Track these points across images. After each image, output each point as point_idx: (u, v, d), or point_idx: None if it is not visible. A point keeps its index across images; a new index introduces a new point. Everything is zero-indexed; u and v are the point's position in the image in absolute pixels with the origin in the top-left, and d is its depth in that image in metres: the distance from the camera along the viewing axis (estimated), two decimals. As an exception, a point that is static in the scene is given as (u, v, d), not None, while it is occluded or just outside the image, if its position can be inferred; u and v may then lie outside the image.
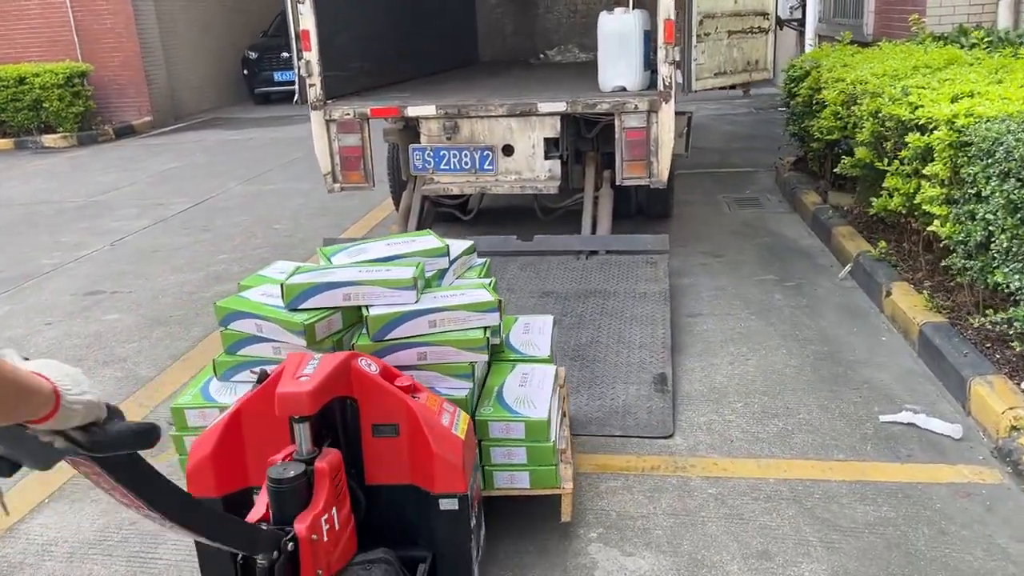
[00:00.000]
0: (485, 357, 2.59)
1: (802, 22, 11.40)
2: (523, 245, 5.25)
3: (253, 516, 1.97)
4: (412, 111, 5.21)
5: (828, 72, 5.91)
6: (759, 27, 5.60)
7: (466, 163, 5.25)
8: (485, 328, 2.59)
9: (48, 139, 13.13)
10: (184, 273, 5.92)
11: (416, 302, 2.56)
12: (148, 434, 1.39)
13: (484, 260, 3.15)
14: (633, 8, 5.22)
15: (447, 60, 8.26)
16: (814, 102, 6.17)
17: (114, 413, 1.37)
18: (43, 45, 14.31)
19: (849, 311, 4.64)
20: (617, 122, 5.03)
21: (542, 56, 9.35)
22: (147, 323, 4.99)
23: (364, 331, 2.56)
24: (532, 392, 2.67)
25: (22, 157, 12.26)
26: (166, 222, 7.52)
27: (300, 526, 1.87)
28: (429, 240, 2.91)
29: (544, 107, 5.08)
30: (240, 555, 1.86)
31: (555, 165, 5.24)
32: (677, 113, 5.38)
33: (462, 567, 2.26)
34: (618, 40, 5.11)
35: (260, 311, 2.56)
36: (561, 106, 5.06)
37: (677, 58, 4.84)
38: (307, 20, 5.09)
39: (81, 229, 7.41)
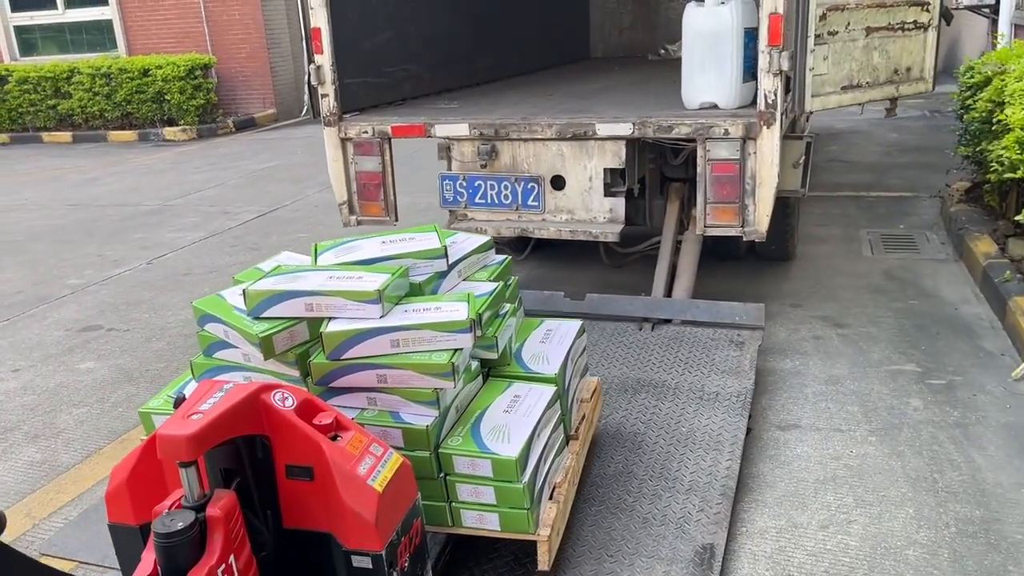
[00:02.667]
0: (451, 384, 2.28)
1: (995, 8, 9.34)
2: (571, 305, 4.06)
3: (140, 574, 1.80)
4: (441, 130, 4.14)
5: (1017, 81, 4.32)
6: (914, 22, 4.10)
7: (506, 197, 4.14)
8: (453, 351, 2.29)
9: (169, 132, 13.08)
10: (198, 307, 5.15)
11: (381, 317, 2.31)
12: None
13: (503, 259, 2.88)
14: (734, -3, 3.88)
15: (546, 57, 7.12)
16: (994, 120, 4.58)
17: None
18: (176, 36, 14.30)
19: None
20: (700, 151, 3.74)
21: (663, 51, 8.00)
22: (117, 378, 4.22)
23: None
24: (514, 421, 2.39)
25: (138, 150, 12.21)
26: (220, 236, 6.86)
27: None
28: (429, 238, 2.66)
29: (604, 129, 3.87)
30: None
31: (617, 204, 4.03)
32: (790, 138, 4.02)
33: None
34: (709, 41, 3.80)
35: (227, 316, 2.38)
36: (626, 128, 3.83)
37: (785, 66, 3.49)
38: (318, 16, 4.11)
39: (134, 240, 6.88)
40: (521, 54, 6.58)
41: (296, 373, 2.35)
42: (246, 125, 13.69)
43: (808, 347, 4.09)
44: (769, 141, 3.60)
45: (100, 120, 13.52)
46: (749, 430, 3.28)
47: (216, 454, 1.90)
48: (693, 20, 3.83)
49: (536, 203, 4.09)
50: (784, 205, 4.73)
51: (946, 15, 4.56)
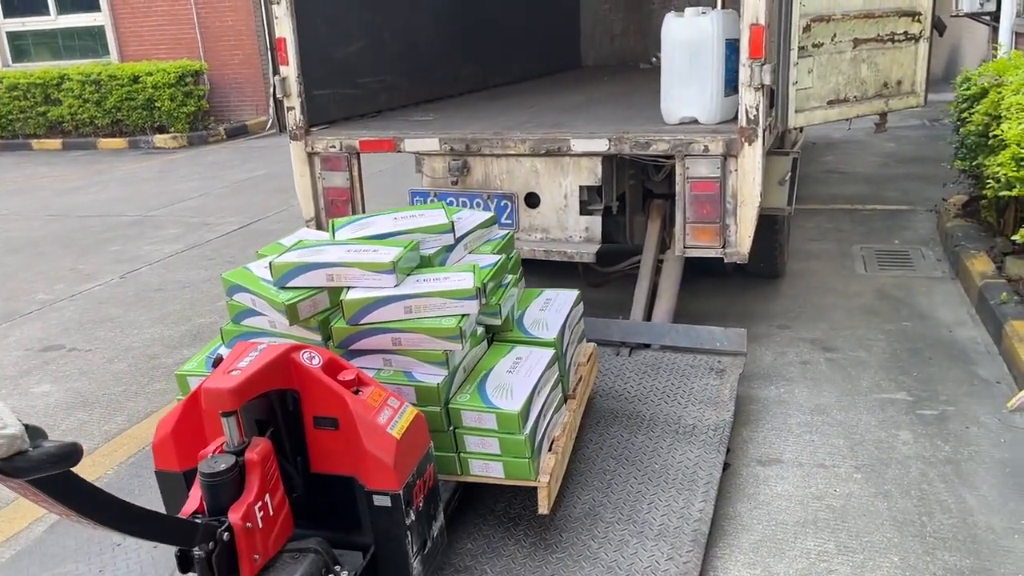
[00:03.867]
0: (459, 347, 2.49)
1: (996, 15, 9.14)
2: (547, 328, 3.87)
3: (188, 508, 2.02)
4: (411, 145, 3.96)
5: (1014, 95, 4.14)
6: (905, 33, 3.91)
7: (478, 215, 3.95)
8: (461, 316, 2.48)
9: (159, 139, 12.92)
10: (165, 326, 4.98)
11: (395, 286, 2.52)
12: (69, 456, 1.54)
13: (505, 233, 3.09)
14: (716, 7, 3.71)
15: (534, 66, 6.96)
16: (991, 135, 4.40)
17: (38, 435, 1.51)
18: (169, 43, 14.14)
19: (1021, 478, 2.98)
20: (679, 168, 3.57)
21: (654, 60, 7.82)
22: (71, 403, 4.04)
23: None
24: (516, 380, 2.61)
25: (127, 158, 12.05)
26: (199, 248, 6.68)
27: (234, 516, 1.93)
28: (437, 214, 2.86)
29: (579, 145, 3.69)
30: (178, 549, 1.91)
31: (593, 223, 3.84)
32: (775, 154, 3.84)
33: (398, 561, 2.23)
34: (688, 53, 3.62)
35: (254, 286, 2.58)
36: (602, 144, 3.65)
37: (767, 80, 3.31)
38: (283, 25, 3.94)
39: (110, 253, 6.70)
40: (507, 63, 6.42)
41: (318, 337, 2.56)
42: (238, 132, 13.52)
43: (795, 373, 3.90)
44: (751, 158, 3.42)
45: (90, 127, 13.37)
46: (727, 465, 3.10)
47: (252, 406, 2.09)
48: (672, 31, 3.65)
49: (509, 221, 3.91)
50: (773, 221, 4.55)
51: (938, 26, 4.37)
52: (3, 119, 13.68)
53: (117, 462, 3.46)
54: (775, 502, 2.93)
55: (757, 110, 3.36)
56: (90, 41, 14.73)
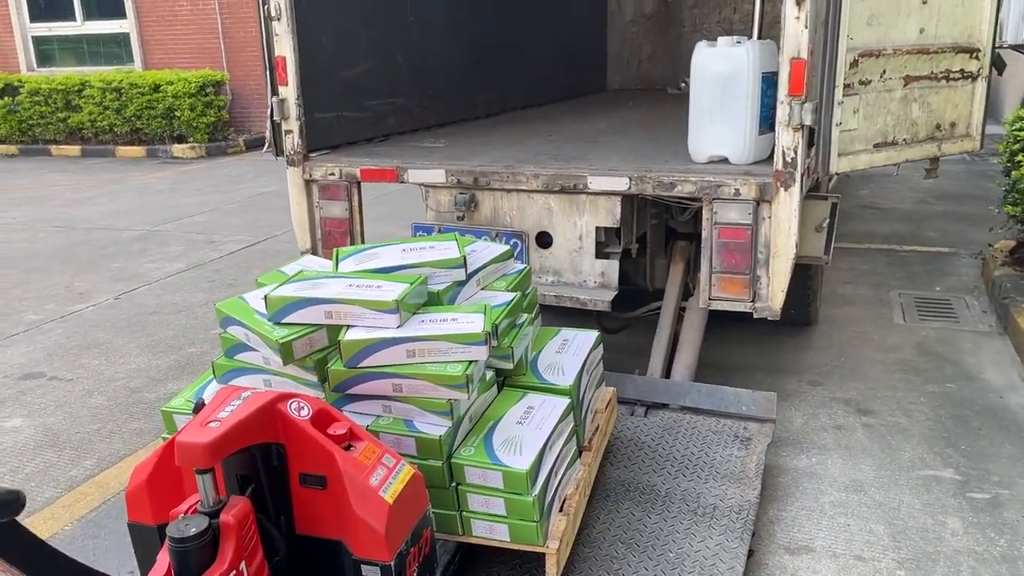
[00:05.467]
0: (464, 395, 2.29)
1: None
2: (555, 381, 3.54)
3: (156, 575, 1.82)
4: (415, 176, 3.65)
5: (1078, 139, 3.77)
6: (961, 71, 3.55)
7: (486, 254, 3.63)
8: (468, 363, 2.30)
9: (177, 149, 12.76)
10: (154, 355, 4.70)
11: (398, 327, 2.34)
12: (9, 505, 1.48)
13: (522, 268, 2.90)
14: (753, 38, 3.37)
15: (557, 90, 6.65)
16: (1049, 181, 4.02)
17: None
18: (192, 52, 14.03)
19: (1086, 587, 2.60)
20: (706, 212, 3.23)
21: (683, 85, 7.50)
22: (41, 441, 3.76)
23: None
24: (527, 433, 2.40)
25: (143, 167, 11.88)
26: (200, 268, 6.42)
27: None
28: (449, 247, 2.68)
29: (597, 183, 3.36)
30: None
31: (610, 268, 3.51)
32: (812, 198, 3.49)
33: None
34: (721, 86, 3.28)
35: (248, 320, 2.42)
36: (621, 183, 3.32)
37: (808, 120, 2.97)
38: (283, 44, 3.66)
39: (109, 270, 6.46)
40: (528, 86, 6.11)
41: (314, 378, 2.39)
42: (257, 144, 13.33)
43: (828, 440, 3.53)
44: (787, 205, 3.08)
45: (109, 135, 13.24)
46: (751, 553, 2.74)
47: (233, 460, 1.96)
48: (704, 62, 3.32)
49: (519, 262, 3.57)
50: (807, 266, 4.20)
51: (998, 64, 4.01)
52: (24, 124, 13.60)
53: (78, 515, 3.16)
54: (805, 602, 2.57)
55: (795, 152, 3.02)
56: (115, 48, 14.66)
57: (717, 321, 3.97)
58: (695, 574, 2.52)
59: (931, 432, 3.56)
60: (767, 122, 3.29)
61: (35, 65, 14.99)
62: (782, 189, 3.07)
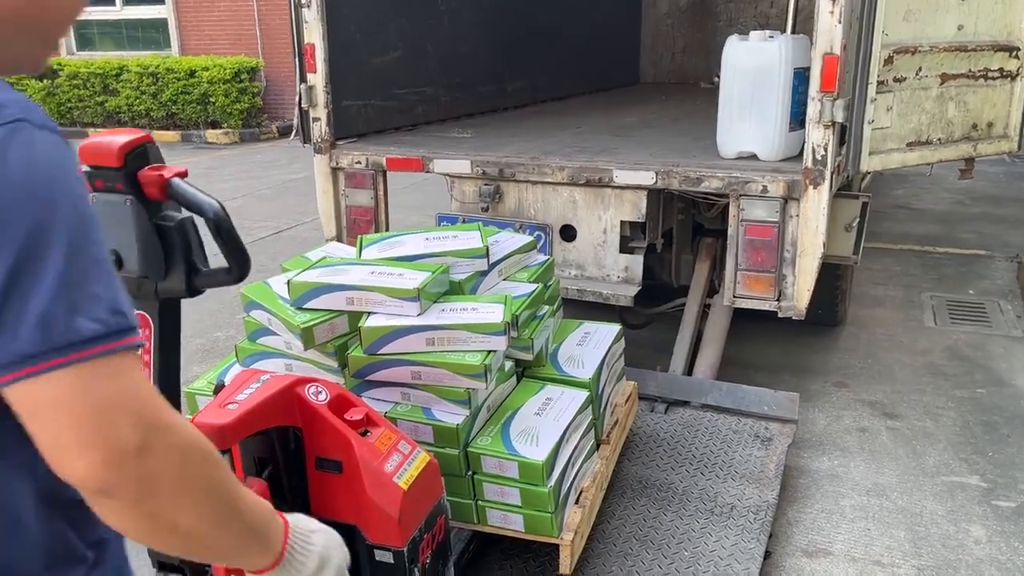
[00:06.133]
0: (483, 385, 2.30)
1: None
2: (575, 376, 3.53)
3: None
4: (440, 166, 3.65)
5: (1121, 142, 3.66)
6: (1000, 69, 3.46)
7: (509, 245, 3.63)
8: (487, 353, 2.31)
9: (211, 134, 12.89)
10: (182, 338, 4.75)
11: (418, 315, 2.34)
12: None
13: (545, 259, 2.91)
14: (787, 31, 3.32)
15: (589, 81, 6.61)
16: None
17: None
18: (229, 39, 14.14)
19: (1113, 601, 2.54)
20: (733, 209, 3.19)
21: (716, 79, 7.41)
22: None
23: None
24: (544, 425, 2.40)
25: (178, 152, 12.02)
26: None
27: (219, 566, 1.76)
28: (472, 237, 2.69)
29: (623, 176, 3.33)
30: None
31: (634, 263, 3.48)
32: (843, 197, 3.44)
33: None
34: (751, 81, 3.24)
35: (271, 304, 2.45)
36: (647, 177, 3.29)
37: (840, 117, 2.92)
38: (313, 31, 3.67)
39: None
40: (560, 77, 6.07)
41: (335, 364, 2.41)
42: (290, 131, 13.42)
43: (851, 442, 3.49)
44: (815, 203, 3.03)
45: (146, 119, 13.40)
46: (768, 554, 2.71)
47: (250, 443, 1.98)
48: (735, 56, 3.27)
49: (543, 254, 3.56)
50: (835, 266, 4.13)
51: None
52: (63, 107, 13.80)
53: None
54: (821, 606, 2.54)
55: (825, 150, 2.97)
56: (153, 33, 14.83)
57: (743, 319, 3.93)
58: (710, 574, 2.50)
59: (958, 438, 3.50)
60: (798, 118, 3.24)
61: (74, 49, 15.21)
62: (811, 187, 3.02)
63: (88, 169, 1.60)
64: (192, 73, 12.80)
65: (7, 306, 0.81)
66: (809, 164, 3.00)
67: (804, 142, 3.05)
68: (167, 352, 1.70)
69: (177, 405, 1.76)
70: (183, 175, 1.61)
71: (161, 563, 1.81)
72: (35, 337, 0.82)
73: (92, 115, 13.71)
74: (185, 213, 1.67)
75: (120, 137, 1.58)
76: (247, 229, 7.24)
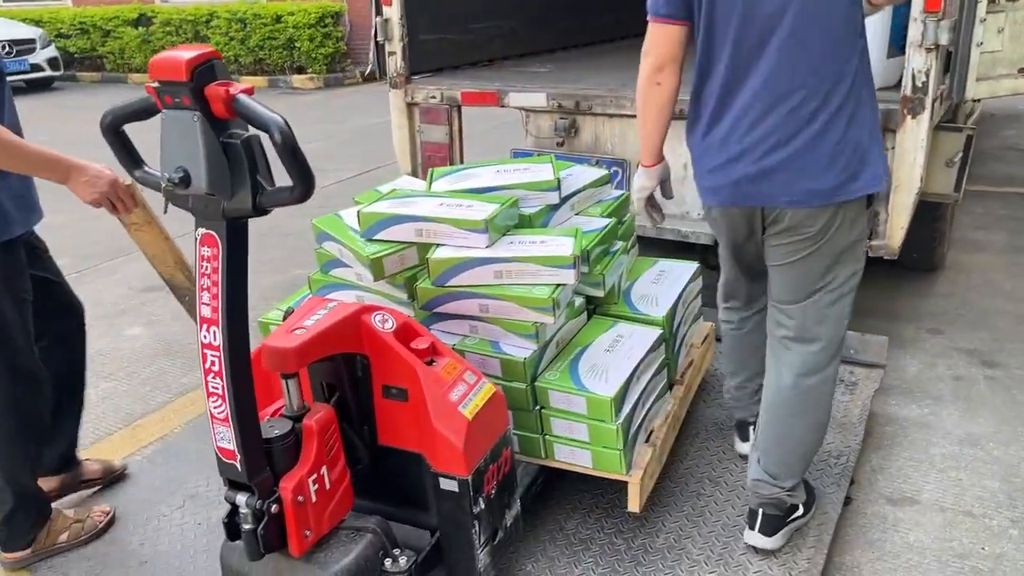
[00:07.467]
0: (551, 319, 2.26)
1: None
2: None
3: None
4: (515, 99, 3.57)
5: None
6: None
7: (585, 181, 3.54)
8: (555, 286, 2.27)
9: (296, 79, 13.05)
10: (262, 274, 4.85)
11: (487, 247, 2.31)
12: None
13: (619, 194, 2.81)
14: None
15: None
16: None
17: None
18: (313, -19, 14.21)
19: None
20: (822, 142, 3.00)
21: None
22: (156, 350, 3.98)
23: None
24: (614, 362, 2.33)
25: (264, 97, 11.98)
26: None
27: (285, 487, 1.83)
28: (544, 169, 2.63)
29: (705, 108, 3.17)
30: (226, 517, 1.88)
31: (715, 200, 3.34)
32: (944, 129, 3.21)
33: (463, 550, 2.05)
34: (847, 2, 3.01)
35: (342, 235, 2.45)
36: (731, 108, 3.12)
37: (944, 40, 2.70)
38: (388, -38, 3.61)
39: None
40: (643, 12, 5.84)
41: (404, 296, 2.41)
42: (374, 76, 13.45)
43: (944, 390, 3.31)
44: (913, 134, 2.83)
45: (234, 65, 13.64)
46: (849, 500, 2.61)
47: (319, 369, 2.02)
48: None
49: (619, 190, 3.46)
50: (934, 206, 3.88)
51: None
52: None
53: (186, 419, 3.33)
54: (905, 555, 2.43)
55: (927, 76, 2.76)
56: (241, -21, 15.00)
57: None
58: (786, 517, 2.41)
59: (1063, 388, 3.28)
60: (896, 44, 3.01)
61: (166, -5, 15.55)
62: (909, 117, 2.82)
63: (157, 85, 1.59)
64: (278, 18, 12.94)
65: None
66: (908, 92, 2.80)
67: (903, 69, 2.84)
68: (234, 273, 1.70)
69: (246, 328, 1.76)
70: (249, 92, 1.59)
71: (230, 481, 1.83)
72: None
73: (184, 62, 14.02)
74: (250, 131, 1.65)
75: (188, 52, 1.56)
76: (328, 172, 7.34)
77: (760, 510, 2.27)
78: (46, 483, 2.60)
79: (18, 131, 2.18)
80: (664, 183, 2.35)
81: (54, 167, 2.13)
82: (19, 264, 2.28)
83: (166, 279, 2.52)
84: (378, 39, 3.75)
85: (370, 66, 4.00)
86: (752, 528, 2.27)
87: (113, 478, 2.82)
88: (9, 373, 2.28)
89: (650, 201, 2.37)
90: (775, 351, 2.26)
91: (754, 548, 2.28)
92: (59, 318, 2.55)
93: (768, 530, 2.26)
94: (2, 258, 2.21)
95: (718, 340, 3.22)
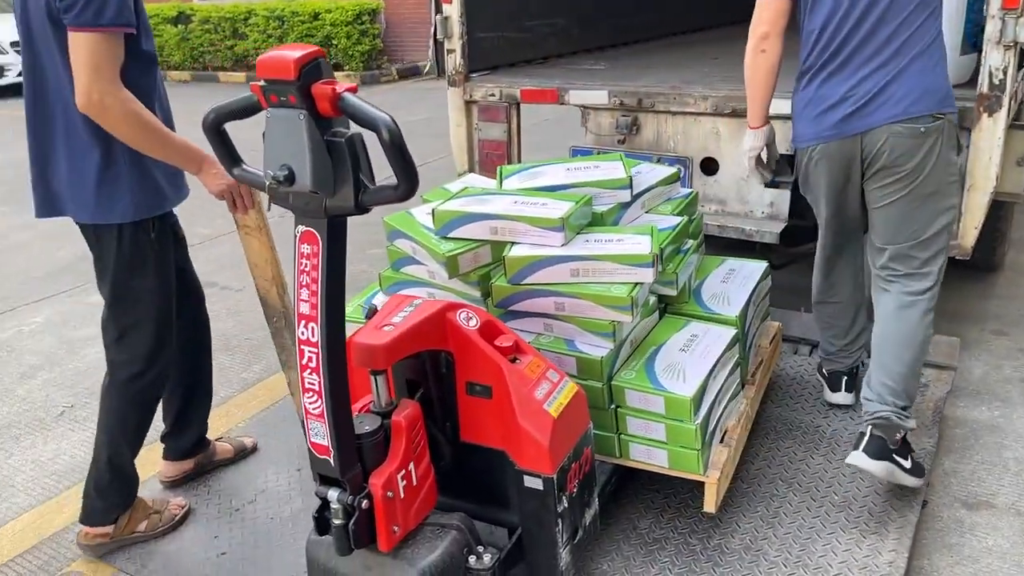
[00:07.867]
0: (628, 318, 2.25)
1: None
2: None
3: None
4: (576, 97, 3.56)
5: None
6: None
7: (646, 179, 3.52)
8: (633, 285, 2.26)
9: (333, 77, 13.09)
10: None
11: (563, 245, 2.32)
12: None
13: (689, 192, 2.83)
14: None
15: (723, 13, 6.30)
16: None
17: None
18: (350, -20, 14.27)
19: None
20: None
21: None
22: (215, 346, 3.96)
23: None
24: (691, 361, 2.32)
25: (302, 94, 12.28)
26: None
27: (376, 483, 1.85)
28: (614, 167, 2.62)
29: (773, 105, 3.14)
30: (316, 512, 1.89)
31: (780, 198, 3.32)
32: (1016, 128, 3.15)
33: (545, 548, 2.05)
34: (919, -2, 2.97)
35: (416, 233, 2.46)
36: (798, 106, 3.10)
37: (1022, 37, 2.65)
38: (449, -40, 3.62)
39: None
40: (692, 9, 5.82)
41: (478, 293, 2.41)
42: (409, 73, 13.50)
43: (1013, 392, 3.26)
44: (990, 133, 2.79)
45: (272, 62, 13.73)
46: (925, 503, 2.58)
47: (403, 365, 2.02)
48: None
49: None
50: (998, 205, 3.82)
51: None
52: (196, 51, 14.34)
53: (249, 414, 3.37)
54: (984, 559, 2.40)
55: (1004, 74, 2.71)
56: (278, -23, 15.11)
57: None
58: (863, 521, 2.40)
59: None
60: (971, 41, 2.97)
61: (205, -6, 15.71)
62: (985, 115, 2.78)
63: (264, 84, 1.60)
64: (316, 16, 13.03)
65: None
66: (985, 89, 2.75)
67: (977, 67, 2.80)
68: (333, 271, 1.72)
69: (343, 326, 1.78)
70: (353, 90, 1.60)
71: (322, 476, 1.85)
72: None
73: (222, 59, 14.20)
74: (353, 129, 1.66)
75: (295, 51, 1.58)
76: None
77: (869, 429, 2.35)
78: (182, 466, 2.74)
79: (169, 121, 2.31)
80: (770, 145, 2.63)
81: (193, 157, 2.26)
82: (170, 240, 2.41)
83: (261, 295, 2.55)
84: (437, 37, 3.76)
85: (427, 66, 3.99)
86: (857, 448, 2.35)
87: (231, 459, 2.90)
88: (158, 347, 2.37)
89: (759, 160, 2.63)
90: (880, 287, 2.51)
91: (856, 468, 2.37)
92: (191, 303, 2.63)
93: (873, 452, 2.32)
94: (158, 230, 2.31)
95: (784, 341, 3.20)
